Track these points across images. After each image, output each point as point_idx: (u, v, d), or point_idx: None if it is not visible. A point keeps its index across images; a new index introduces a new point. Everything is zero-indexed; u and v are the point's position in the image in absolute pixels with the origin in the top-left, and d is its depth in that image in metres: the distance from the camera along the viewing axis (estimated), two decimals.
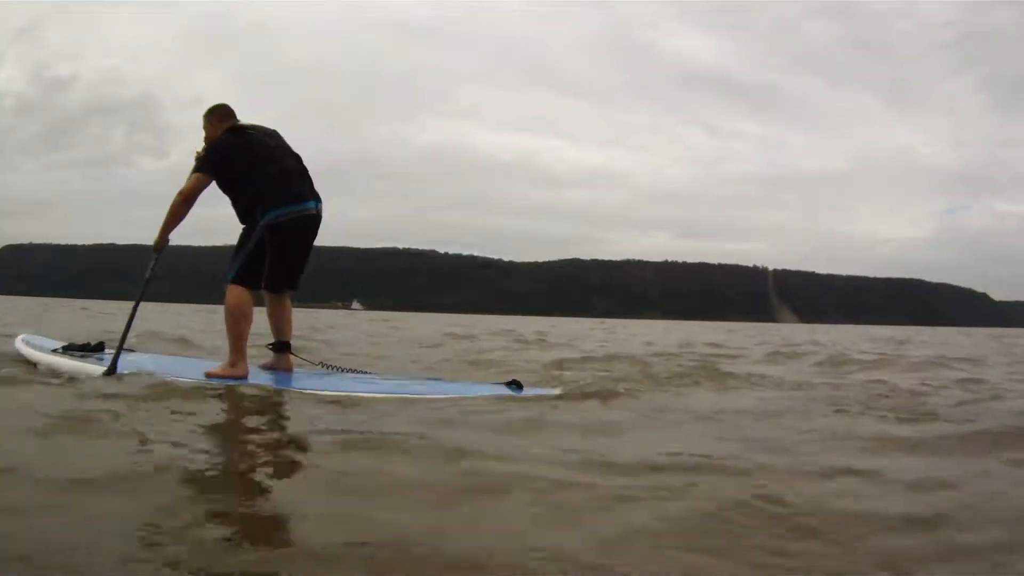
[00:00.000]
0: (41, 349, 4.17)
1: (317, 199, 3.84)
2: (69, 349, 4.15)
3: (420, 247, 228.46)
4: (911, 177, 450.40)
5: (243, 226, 3.81)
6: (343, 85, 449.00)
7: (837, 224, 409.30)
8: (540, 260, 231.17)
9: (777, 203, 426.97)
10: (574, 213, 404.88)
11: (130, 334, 3.87)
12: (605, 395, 3.53)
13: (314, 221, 3.84)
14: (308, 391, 3.40)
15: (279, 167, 3.75)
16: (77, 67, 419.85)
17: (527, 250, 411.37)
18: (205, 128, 3.88)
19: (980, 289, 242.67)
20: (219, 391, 3.29)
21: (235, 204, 3.84)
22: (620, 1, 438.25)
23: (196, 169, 3.75)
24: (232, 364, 3.66)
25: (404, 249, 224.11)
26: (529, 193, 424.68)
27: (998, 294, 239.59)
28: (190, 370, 3.71)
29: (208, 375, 3.57)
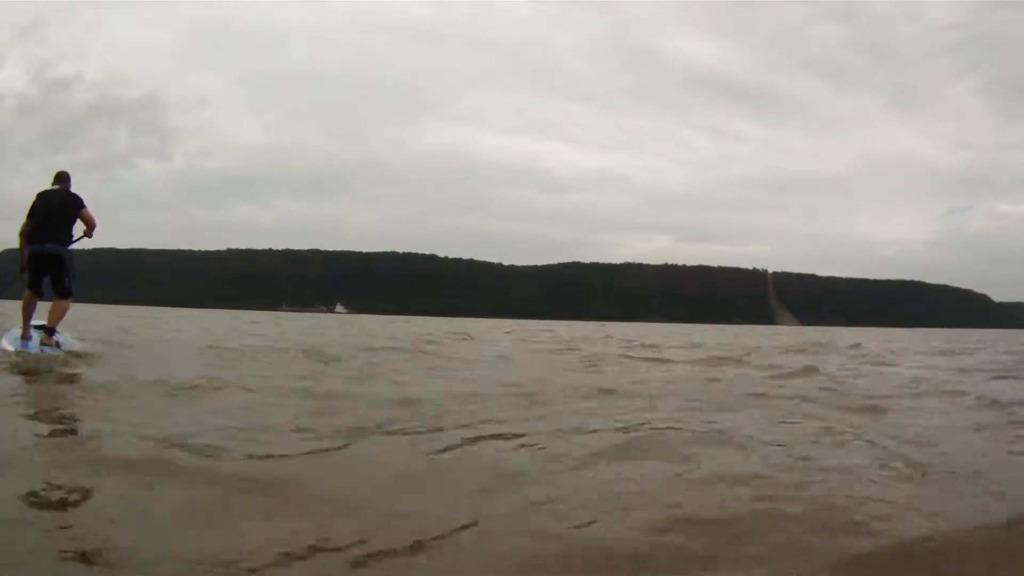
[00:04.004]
0: None
1: (49, 242, 6.60)
2: None
3: (421, 251, 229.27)
4: (912, 179, 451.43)
5: None
6: (345, 88, 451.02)
7: (838, 227, 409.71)
8: (540, 263, 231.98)
9: (778, 206, 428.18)
10: (575, 216, 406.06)
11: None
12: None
13: (42, 258, 6.63)
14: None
15: (37, 220, 6.66)
16: (80, 67, 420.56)
17: (527, 253, 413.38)
18: None
19: (980, 290, 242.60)
20: None
21: None
22: (623, 4, 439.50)
23: (26, 215, 6.66)
24: (22, 331, 6.69)
25: (405, 253, 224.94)
26: (530, 197, 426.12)
27: (998, 295, 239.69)
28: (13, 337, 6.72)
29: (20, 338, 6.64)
